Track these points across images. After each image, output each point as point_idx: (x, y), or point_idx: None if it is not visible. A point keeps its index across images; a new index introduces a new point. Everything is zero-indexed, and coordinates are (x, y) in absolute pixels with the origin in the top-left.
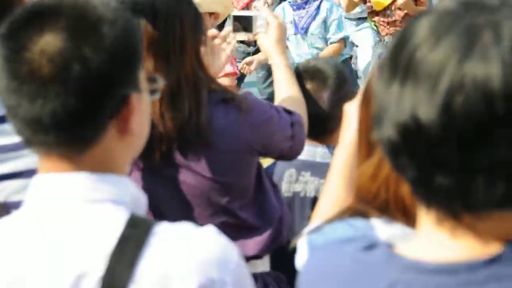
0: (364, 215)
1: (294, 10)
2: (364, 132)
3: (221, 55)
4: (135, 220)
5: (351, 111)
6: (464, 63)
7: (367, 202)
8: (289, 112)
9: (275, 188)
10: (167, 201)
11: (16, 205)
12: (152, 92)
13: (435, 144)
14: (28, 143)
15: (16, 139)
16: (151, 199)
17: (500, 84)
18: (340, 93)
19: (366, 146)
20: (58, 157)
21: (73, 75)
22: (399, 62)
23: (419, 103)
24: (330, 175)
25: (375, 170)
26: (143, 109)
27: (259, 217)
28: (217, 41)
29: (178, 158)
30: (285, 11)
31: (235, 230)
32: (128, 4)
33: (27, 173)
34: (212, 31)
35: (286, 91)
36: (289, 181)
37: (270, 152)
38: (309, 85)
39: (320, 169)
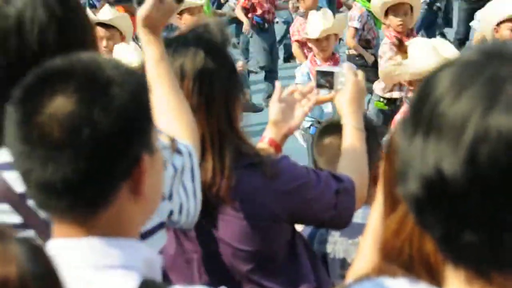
0: (390, 274)
1: None
2: (388, 187)
3: (299, 111)
4: (147, 285)
5: None
6: (488, 115)
7: (392, 259)
8: (337, 179)
9: (312, 255)
10: (189, 264)
11: None
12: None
13: (461, 198)
14: (41, 207)
15: None
16: (173, 260)
17: None
18: (371, 150)
19: (390, 200)
20: (71, 221)
21: (83, 139)
22: (422, 115)
23: (443, 156)
24: (365, 233)
25: (399, 225)
26: (156, 170)
27: (286, 287)
28: (296, 96)
29: (201, 221)
30: None
31: None
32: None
33: None
34: (293, 87)
35: (351, 156)
36: (319, 241)
37: (304, 220)
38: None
39: (350, 230)
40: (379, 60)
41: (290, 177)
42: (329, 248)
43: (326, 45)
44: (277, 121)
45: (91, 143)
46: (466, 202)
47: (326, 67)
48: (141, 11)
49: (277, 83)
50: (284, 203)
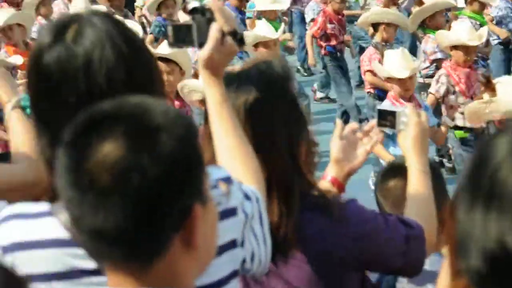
0: None
1: None
2: (452, 251)
3: (361, 150)
4: None
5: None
6: None
7: None
8: (407, 225)
9: None
10: None
11: None
12: (218, 202)
13: None
14: (93, 255)
15: None
16: None
17: None
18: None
19: (454, 265)
20: (124, 271)
21: (131, 186)
22: (480, 185)
23: (506, 230)
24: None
25: None
26: (210, 220)
27: None
28: (358, 134)
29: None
30: None
31: None
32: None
33: None
34: (353, 125)
35: (417, 200)
36: (387, 286)
37: (372, 267)
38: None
39: (418, 277)
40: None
41: (358, 221)
42: None
43: (410, 85)
44: (339, 160)
45: (140, 190)
46: None
47: (389, 106)
48: (203, 53)
49: (338, 121)
50: (352, 248)
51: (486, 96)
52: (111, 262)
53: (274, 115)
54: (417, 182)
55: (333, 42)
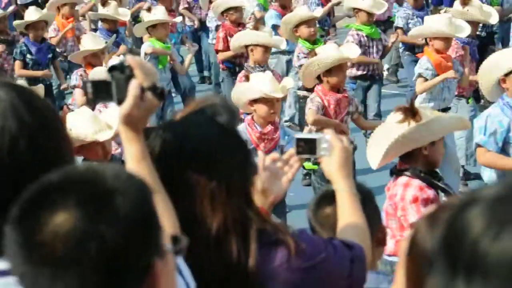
0: None
1: None
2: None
3: (283, 179)
4: None
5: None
6: None
7: None
8: (349, 247)
9: None
10: None
11: None
12: (177, 252)
13: None
14: None
15: None
16: None
17: None
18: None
19: None
20: None
21: (90, 255)
22: (458, 258)
23: None
24: None
25: None
26: (169, 272)
27: None
28: (278, 164)
29: None
30: None
31: None
32: (166, 150)
33: None
34: (273, 155)
35: (350, 222)
36: None
37: None
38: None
39: None
40: None
41: (313, 253)
42: None
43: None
44: (264, 190)
45: (99, 258)
46: None
47: (307, 134)
48: (122, 110)
49: (260, 153)
50: (309, 278)
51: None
52: None
53: (230, 160)
54: (347, 204)
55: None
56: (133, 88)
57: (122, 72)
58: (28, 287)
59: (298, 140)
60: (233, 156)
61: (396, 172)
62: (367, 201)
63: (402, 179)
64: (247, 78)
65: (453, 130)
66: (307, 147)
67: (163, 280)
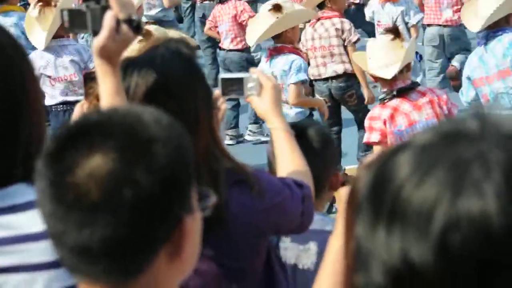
0: None
1: None
2: (349, 230)
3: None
4: None
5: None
6: (457, 200)
7: None
8: (299, 185)
9: (281, 262)
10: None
11: None
12: (203, 209)
13: None
14: (73, 271)
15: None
16: None
17: (498, 220)
18: (327, 156)
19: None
20: (103, 285)
21: (124, 201)
22: (382, 204)
23: (410, 246)
24: (324, 262)
25: None
26: (196, 230)
27: None
28: None
29: None
30: None
31: None
32: (141, 86)
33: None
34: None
35: (289, 159)
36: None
37: (280, 232)
38: None
39: (301, 236)
40: None
41: (274, 193)
42: (280, 255)
43: None
44: None
45: (132, 206)
46: None
47: (233, 74)
48: (97, 42)
49: None
50: (270, 219)
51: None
52: (90, 278)
53: (196, 94)
54: (286, 142)
55: None
56: (108, 20)
57: (98, 2)
58: (53, 228)
59: (224, 80)
60: (201, 90)
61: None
62: (328, 144)
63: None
64: None
65: None
66: (234, 87)
67: (190, 237)
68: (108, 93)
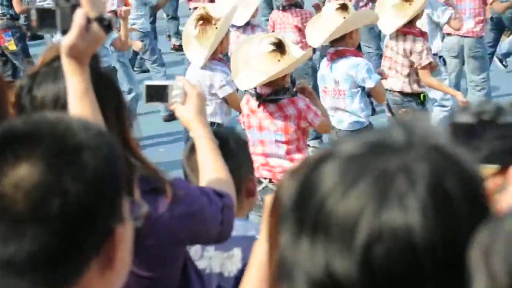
0: None
1: None
2: (273, 235)
3: None
4: None
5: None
6: (381, 213)
7: None
8: (220, 195)
9: (198, 272)
10: None
11: None
12: (135, 219)
13: None
14: None
15: None
16: None
17: (421, 233)
18: (241, 162)
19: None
20: None
21: (52, 212)
22: (306, 215)
23: (334, 258)
24: (250, 266)
25: None
26: (127, 240)
27: None
28: None
29: None
30: None
31: None
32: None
33: None
34: None
35: (212, 168)
36: (194, 258)
37: (198, 241)
38: None
39: (224, 243)
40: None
41: (190, 201)
42: (203, 264)
43: None
44: None
45: (61, 217)
46: None
47: (157, 81)
48: (66, 41)
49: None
50: (187, 227)
51: None
52: None
53: (106, 101)
54: (209, 150)
55: None
56: (78, 18)
57: (68, 0)
58: None
59: (148, 87)
60: (111, 98)
61: None
62: (242, 150)
63: None
64: None
65: None
66: (158, 94)
67: (122, 247)
68: (77, 93)
